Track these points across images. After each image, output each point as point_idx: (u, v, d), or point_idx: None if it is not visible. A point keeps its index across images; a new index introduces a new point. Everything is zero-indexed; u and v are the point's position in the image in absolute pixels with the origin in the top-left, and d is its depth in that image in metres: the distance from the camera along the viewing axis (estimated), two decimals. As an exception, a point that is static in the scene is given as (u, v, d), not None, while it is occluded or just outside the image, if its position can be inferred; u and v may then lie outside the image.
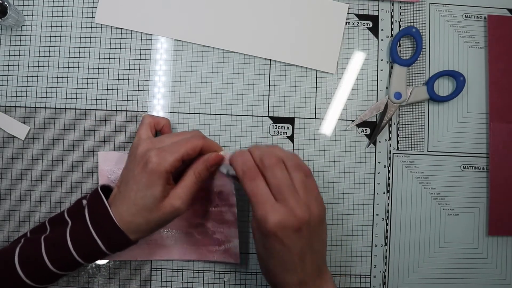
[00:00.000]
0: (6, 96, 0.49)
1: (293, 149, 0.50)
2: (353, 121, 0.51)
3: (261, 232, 0.36)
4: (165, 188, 0.39)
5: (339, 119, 0.51)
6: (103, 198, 0.40)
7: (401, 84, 0.50)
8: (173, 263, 0.49)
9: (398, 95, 0.49)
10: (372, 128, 0.51)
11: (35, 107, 0.49)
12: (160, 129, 0.47)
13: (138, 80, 0.50)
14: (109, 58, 0.50)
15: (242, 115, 0.50)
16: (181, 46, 0.50)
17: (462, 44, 0.52)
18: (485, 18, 0.52)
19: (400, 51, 0.51)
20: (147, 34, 0.50)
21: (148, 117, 0.46)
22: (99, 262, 0.49)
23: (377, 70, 0.51)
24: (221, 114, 0.50)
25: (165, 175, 0.39)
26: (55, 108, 0.49)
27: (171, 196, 0.40)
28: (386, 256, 0.50)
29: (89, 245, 0.39)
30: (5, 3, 0.45)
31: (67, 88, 0.50)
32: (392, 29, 0.51)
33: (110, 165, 0.48)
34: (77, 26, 0.50)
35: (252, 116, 0.50)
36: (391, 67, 0.51)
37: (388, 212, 0.50)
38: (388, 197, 0.50)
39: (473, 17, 0.52)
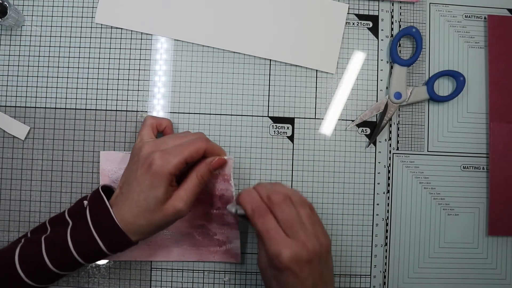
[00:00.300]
0: (6, 96, 0.49)
1: (293, 149, 0.50)
2: (353, 121, 0.51)
3: (274, 267, 0.37)
4: (168, 190, 0.39)
5: (339, 119, 0.51)
6: (104, 199, 0.40)
7: (401, 84, 0.50)
8: (173, 263, 0.49)
9: (398, 95, 0.49)
10: (372, 128, 0.51)
11: (35, 107, 0.49)
12: (162, 130, 0.47)
13: (138, 80, 0.50)
14: (109, 58, 0.50)
15: (242, 115, 0.50)
16: (181, 46, 0.50)
17: (462, 44, 0.52)
18: (485, 18, 0.52)
19: (400, 51, 0.51)
20: (147, 34, 0.50)
21: (150, 118, 0.46)
22: (99, 262, 0.49)
23: (377, 70, 0.51)
24: (221, 114, 0.50)
25: (168, 177, 0.39)
26: (55, 108, 0.49)
27: (174, 198, 0.40)
28: (386, 256, 0.50)
29: (90, 246, 0.39)
30: (5, 3, 0.45)
31: (67, 88, 0.50)
32: (392, 29, 0.51)
33: (111, 165, 0.48)
34: (77, 26, 0.50)
35: (252, 116, 0.50)
36: (391, 67, 0.51)
37: (388, 212, 0.50)
38: (388, 197, 0.50)
39: (473, 17, 0.52)
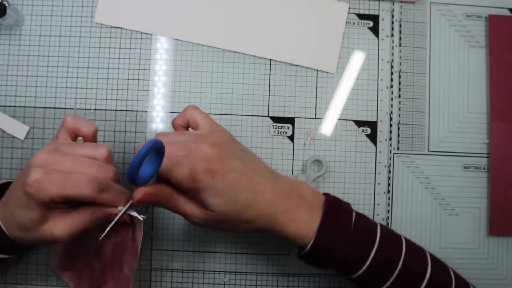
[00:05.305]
0: (5, 95, 0.49)
1: (293, 149, 0.50)
2: (353, 121, 0.50)
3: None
4: (46, 213, 0.34)
5: (339, 119, 0.51)
6: None
7: None
8: (173, 263, 0.49)
9: None
10: (373, 128, 0.51)
11: (35, 107, 0.49)
12: (82, 136, 0.38)
13: (138, 80, 0.50)
14: (109, 58, 0.50)
15: (242, 115, 0.50)
16: (181, 46, 0.50)
17: (462, 44, 0.52)
18: (485, 17, 0.52)
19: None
20: (147, 34, 0.50)
21: (70, 118, 0.37)
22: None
23: (378, 70, 0.51)
24: (221, 114, 0.50)
25: (43, 203, 0.33)
26: (55, 108, 0.49)
27: (54, 223, 0.35)
28: (386, 256, 0.50)
29: None
30: (4, 2, 0.45)
31: (66, 88, 0.49)
32: (392, 28, 0.51)
33: None
34: (77, 26, 0.50)
35: (252, 116, 0.50)
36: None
37: (388, 212, 0.50)
38: (389, 197, 0.50)
39: (473, 16, 0.52)
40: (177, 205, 0.36)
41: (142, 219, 0.37)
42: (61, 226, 0.35)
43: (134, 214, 0.37)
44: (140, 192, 0.34)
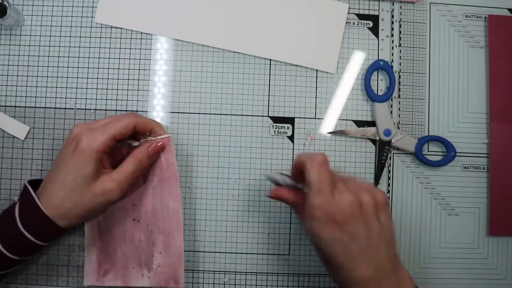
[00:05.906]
0: (6, 96, 0.49)
1: (293, 149, 0.50)
2: (353, 121, 0.50)
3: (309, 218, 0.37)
4: (97, 169, 0.39)
5: (339, 119, 0.51)
6: (30, 189, 0.40)
7: (387, 121, 0.49)
8: (173, 263, 0.49)
9: (387, 132, 0.49)
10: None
11: (35, 107, 0.49)
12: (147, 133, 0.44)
13: (138, 80, 0.50)
14: (109, 58, 0.50)
15: (242, 115, 0.50)
16: (181, 46, 0.50)
17: (462, 44, 0.52)
18: (485, 18, 0.52)
19: (374, 87, 0.51)
20: (147, 34, 0.50)
21: (135, 117, 0.42)
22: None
23: (378, 70, 0.51)
24: (221, 114, 0.50)
25: (96, 155, 0.38)
26: (55, 108, 0.49)
27: (104, 178, 0.39)
28: (386, 256, 0.50)
29: (19, 240, 0.38)
30: (5, 2, 0.45)
31: (66, 88, 0.49)
32: (392, 28, 0.51)
33: None
34: (77, 26, 0.50)
35: (252, 116, 0.50)
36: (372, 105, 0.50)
37: (388, 212, 0.50)
38: (389, 197, 0.50)
39: (473, 17, 0.52)
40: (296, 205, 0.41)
41: (168, 135, 0.42)
42: (111, 180, 0.39)
43: (161, 136, 0.42)
44: (276, 191, 0.41)
